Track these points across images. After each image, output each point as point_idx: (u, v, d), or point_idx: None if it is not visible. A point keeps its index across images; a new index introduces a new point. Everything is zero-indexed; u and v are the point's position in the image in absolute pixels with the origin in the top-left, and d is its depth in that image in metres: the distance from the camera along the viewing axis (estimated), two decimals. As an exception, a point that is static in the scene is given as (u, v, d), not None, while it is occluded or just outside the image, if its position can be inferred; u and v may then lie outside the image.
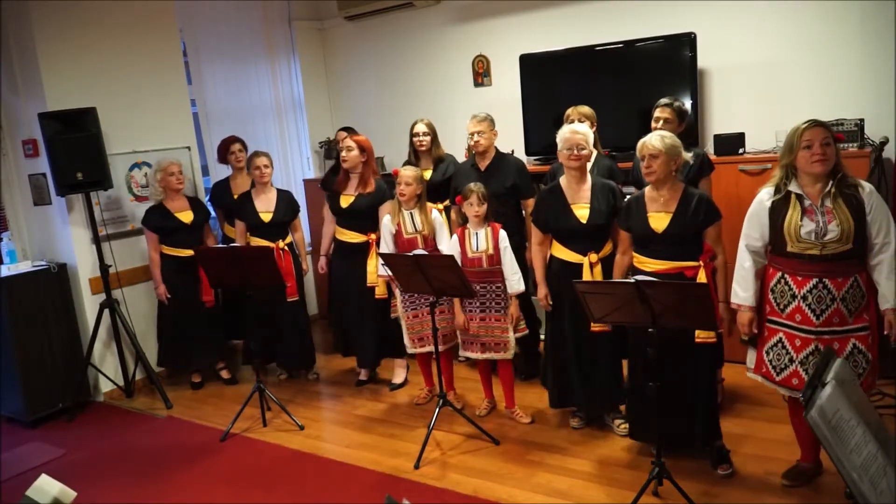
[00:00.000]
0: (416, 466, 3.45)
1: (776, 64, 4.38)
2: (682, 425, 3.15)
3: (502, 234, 3.71)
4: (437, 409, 3.66)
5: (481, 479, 3.31)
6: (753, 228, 2.86)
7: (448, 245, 3.93)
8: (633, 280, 2.68)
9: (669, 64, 4.52)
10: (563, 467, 3.34)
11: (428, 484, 3.30)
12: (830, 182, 2.69)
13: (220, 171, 5.82)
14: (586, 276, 3.38)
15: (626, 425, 3.58)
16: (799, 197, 2.73)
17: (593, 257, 3.42)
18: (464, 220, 4.01)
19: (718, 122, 4.59)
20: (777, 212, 2.77)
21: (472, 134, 4.22)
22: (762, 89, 4.44)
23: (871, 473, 1.81)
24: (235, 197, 4.88)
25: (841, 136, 2.79)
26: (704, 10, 4.52)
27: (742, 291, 2.90)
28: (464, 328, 3.80)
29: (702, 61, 4.47)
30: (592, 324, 3.27)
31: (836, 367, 1.99)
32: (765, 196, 2.83)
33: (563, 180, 3.54)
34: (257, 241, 4.54)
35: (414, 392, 4.40)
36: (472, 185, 3.72)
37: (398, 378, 4.53)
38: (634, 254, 3.20)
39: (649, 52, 4.60)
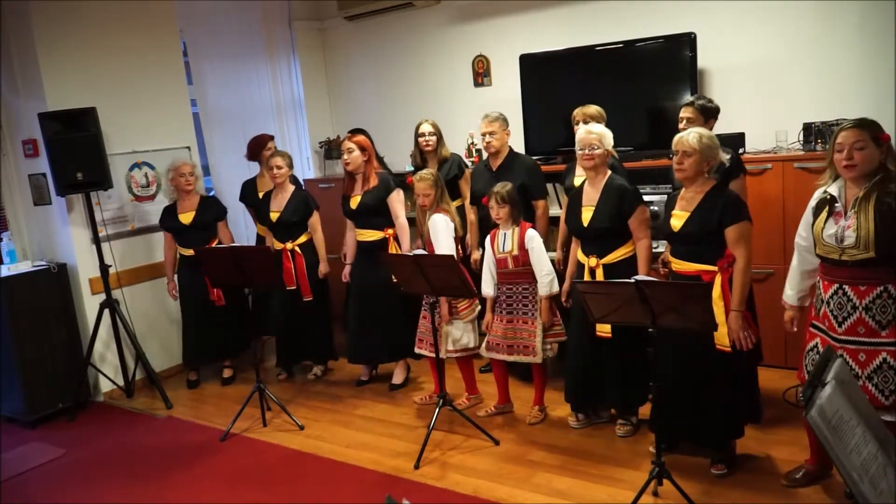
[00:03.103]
0: (416, 466, 3.45)
1: (776, 64, 4.38)
2: (695, 424, 3.12)
3: (529, 233, 3.62)
4: (437, 409, 3.66)
5: (481, 479, 3.31)
6: (802, 226, 2.83)
7: (446, 249, 3.86)
8: (632, 280, 2.68)
9: (669, 64, 4.51)
10: (563, 467, 3.34)
11: (428, 484, 3.30)
12: (866, 184, 2.59)
13: (221, 172, 5.84)
14: (586, 279, 3.37)
15: (627, 427, 3.58)
16: (833, 198, 2.68)
17: (592, 261, 3.40)
18: (481, 221, 3.98)
19: (718, 122, 4.58)
20: (817, 211, 2.74)
21: (484, 134, 4.20)
22: (762, 89, 4.44)
23: (871, 473, 1.81)
24: (260, 193, 4.91)
25: (886, 136, 2.58)
26: (704, 10, 4.52)
27: (788, 289, 2.93)
28: (487, 329, 3.78)
29: (702, 61, 4.47)
30: (597, 328, 3.28)
31: (836, 367, 1.99)
32: (815, 195, 2.79)
33: (586, 180, 3.54)
34: (276, 242, 4.61)
35: (412, 392, 4.40)
36: (497, 186, 3.68)
37: (398, 378, 4.53)
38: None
39: (649, 52, 4.59)
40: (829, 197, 2.69)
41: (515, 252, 3.63)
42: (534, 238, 3.61)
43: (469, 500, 3.14)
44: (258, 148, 4.96)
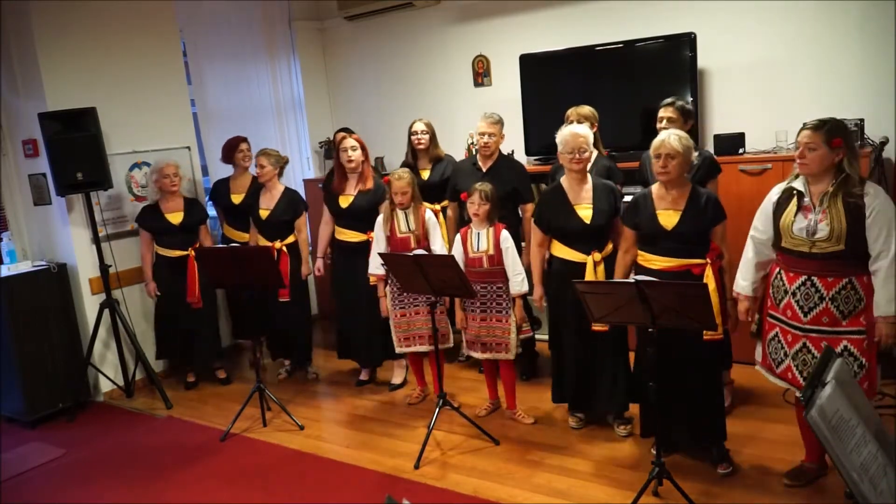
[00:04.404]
0: (416, 466, 3.45)
1: (776, 64, 4.38)
2: (685, 424, 3.17)
3: (504, 234, 3.70)
4: (437, 409, 3.66)
5: (481, 479, 3.31)
6: (759, 220, 2.93)
7: (442, 246, 3.96)
8: (633, 280, 2.68)
9: (669, 64, 4.52)
10: (563, 467, 3.35)
11: (428, 484, 3.30)
12: (832, 182, 2.70)
13: (220, 172, 5.83)
14: (590, 276, 3.38)
15: (627, 427, 3.59)
16: (800, 193, 2.78)
17: (597, 256, 3.43)
18: (460, 219, 3.99)
19: (718, 122, 4.59)
20: (780, 207, 2.84)
21: (483, 134, 4.19)
22: (762, 89, 4.44)
23: (871, 473, 1.81)
24: (232, 195, 4.89)
25: (838, 141, 2.68)
26: (704, 10, 4.52)
27: (742, 280, 3.00)
28: (462, 327, 3.82)
29: (702, 61, 4.47)
30: (593, 323, 3.28)
31: (836, 367, 1.99)
32: (775, 190, 2.90)
33: (564, 181, 3.54)
34: (263, 240, 4.57)
35: (409, 391, 4.39)
36: (478, 184, 3.72)
37: (397, 378, 4.53)
38: (640, 252, 3.20)
39: (649, 52, 4.59)
40: (796, 192, 2.80)
41: (491, 252, 3.67)
42: (508, 238, 3.70)
43: (469, 500, 3.14)
44: (231, 151, 4.91)
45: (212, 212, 5.23)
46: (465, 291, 3.49)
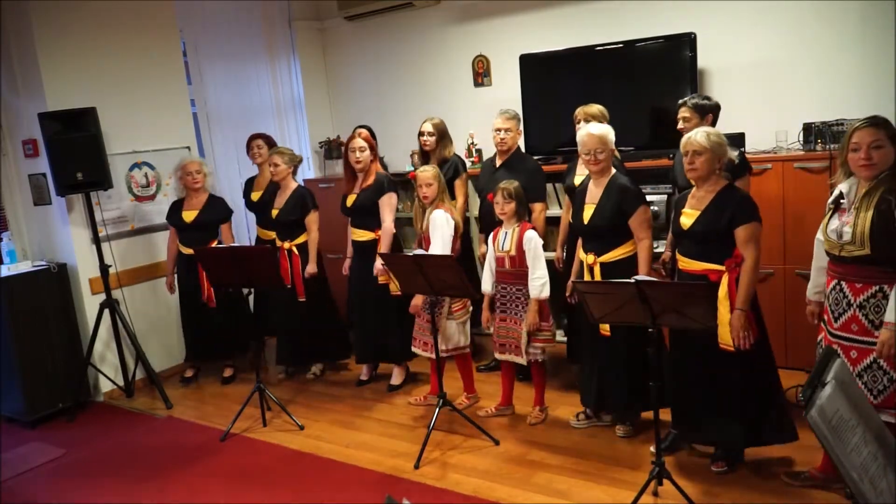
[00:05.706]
0: (416, 466, 3.45)
1: (776, 64, 4.38)
2: (711, 422, 3.11)
3: (528, 234, 3.59)
4: (437, 409, 3.66)
5: (481, 479, 3.31)
6: (822, 223, 2.83)
7: (441, 247, 3.82)
8: (632, 280, 2.68)
9: (669, 64, 4.51)
10: (563, 467, 3.34)
11: (428, 484, 3.30)
12: (871, 182, 2.58)
13: (221, 172, 5.83)
14: (585, 277, 3.37)
15: (627, 428, 3.58)
16: (841, 194, 2.70)
17: (590, 258, 3.40)
18: (483, 216, 3.93)
19: (718, 121, 4.57)
20: (830, 208, 2.78)
21: (498, 130, 4.19)
22: (762, 89, 4.44)
23: (871, 473, 1.81)
24: (252, 193, 4.96)
25: None
26: (704, 10, 4.52)
27: (809, 283, 2.96)
28: (486, 327, 3.79)
29: (702, 61, 4.47)
30: (600, 326, 3.27)
31: (836, 367, 1.98)
32: (833, 192, 2.80)
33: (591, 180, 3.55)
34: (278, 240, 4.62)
35: (412, 392, 4.39)
36: (503, 182, 3.69)
37: (396, 379, 4.52)
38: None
39: (649, 52, 4.59)
40: (839, 193, 2.71)
41: (513, 252, 3.63)
42: (532, 239, 3.59)
43: (469, 500, 3.14)
44: (247, 149, 5.04)
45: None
46: (466, 292, 3.48)
